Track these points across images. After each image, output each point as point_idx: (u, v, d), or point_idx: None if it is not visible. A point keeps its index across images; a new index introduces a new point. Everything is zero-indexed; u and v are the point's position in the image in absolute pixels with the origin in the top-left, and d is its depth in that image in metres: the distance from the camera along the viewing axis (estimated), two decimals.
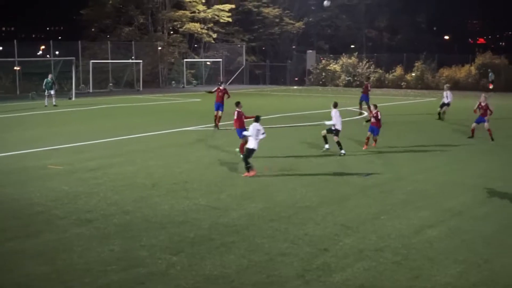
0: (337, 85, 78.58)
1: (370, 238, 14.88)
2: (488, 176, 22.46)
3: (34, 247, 14.06)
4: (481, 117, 32.00)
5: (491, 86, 70.26)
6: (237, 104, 25.89)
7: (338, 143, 26.58)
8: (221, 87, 36.48)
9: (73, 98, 56.30)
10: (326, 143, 27.23)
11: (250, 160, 22.04)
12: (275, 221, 16.31)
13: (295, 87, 78.92)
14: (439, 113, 40.41)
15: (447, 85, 42.96)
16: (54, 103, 49.05)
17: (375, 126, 28.55)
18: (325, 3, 26.32)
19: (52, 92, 49.57)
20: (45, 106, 48.59)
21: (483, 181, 21.51)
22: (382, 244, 14.41)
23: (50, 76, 50.85)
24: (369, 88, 44.88)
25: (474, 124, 32.24)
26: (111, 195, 19.02)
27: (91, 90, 66.50)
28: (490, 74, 71.71)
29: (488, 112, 31.91)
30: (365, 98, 43.64)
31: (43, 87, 50.39)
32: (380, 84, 77.03)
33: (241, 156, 23.25)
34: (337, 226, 15.88)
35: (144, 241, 14.56)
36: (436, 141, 30.81)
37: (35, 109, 46.72)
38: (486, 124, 31.61)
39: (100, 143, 29.59)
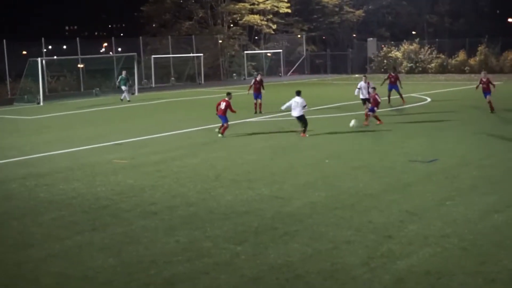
0: (399, 72, 77.64)
1: (435, 224, 14.70)
2: None
3: (101, 240, 14.28)
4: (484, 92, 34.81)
5: None
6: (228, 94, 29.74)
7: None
8: (257, 79, 39.52)
9: (136, 94, 56.91)
10: None
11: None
12: (338, 209, 16.25)
13: (356, 75, 78.32)
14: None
15: (365, 75, 38.29)
16: (121, 98, 49.69)
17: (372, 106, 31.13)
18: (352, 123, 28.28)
19: (125, 87, 50.23)
20: (121, 100, 49.37)
21: None
22: (447, 230, 14.23)
23: (124, 72, 51.59)
24: (396, 78, 42.28)
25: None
26: (176, 188, 19.20)
27: (153, 85, 67.12)
28: None
29: (491, 86, 34.58)
30: (395, 88, 41.78)
31: (118, 83, 51.14)
32: (443, 69, 76.01)
33: (220, 135, 28.74)
34: (401, 213, 15.74)
35: (208, 231, 14.66)
36: (502, 126, 30.31)
37: (99, 105, 47.38)
38: (488, 96, 34.55)
39: (163, 136, 29.88)
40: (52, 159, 24.82)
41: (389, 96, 41.36)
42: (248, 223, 15.20)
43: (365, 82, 35.17)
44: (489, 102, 34.37)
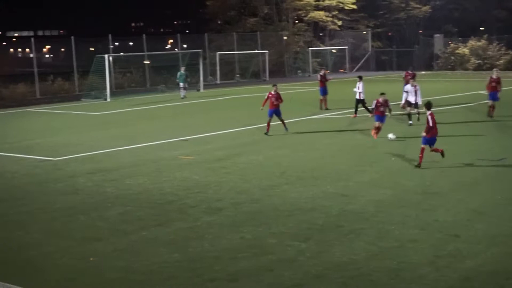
0: (466, 69, 76.60)
1: (503, 224, 14.46)
2: None
3: (167, 236, 14.41)
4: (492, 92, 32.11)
5: None
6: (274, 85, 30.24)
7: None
8: (321, 73, 39.83)
9: (201, 90, 57.19)
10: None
11: None
12: (404, 208, 16.10)
13: (423, 72, 77.35)
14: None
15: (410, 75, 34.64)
16: (182, 96, 49.67)
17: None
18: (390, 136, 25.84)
19: (186, 84, 50.25)
20: (182, 98, 49.24)
21: None
22: None
23: (183, 69, 51.57)
24: (326, 77, 39.29)
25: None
26: (240, 184, 19.26)
27: (218, 82, 67.33)
28: None
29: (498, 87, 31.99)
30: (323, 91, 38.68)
31: (177, 79, 51.14)
32: None
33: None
34: (468, 212, 15.52)
35: (273, 228, 14.67)
36: None
37: (164, 101, 47.74)
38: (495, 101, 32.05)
39: (228, 133, 29.96)
40: (118, 154, 25.13)
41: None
42: (312, 220, 15.16)
43: (411, 85, 30.93)
44: (492, 106, 31.78)
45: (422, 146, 20.92)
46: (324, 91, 38.25)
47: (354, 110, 33.80)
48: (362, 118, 32.90)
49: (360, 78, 34.17)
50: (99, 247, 13.77)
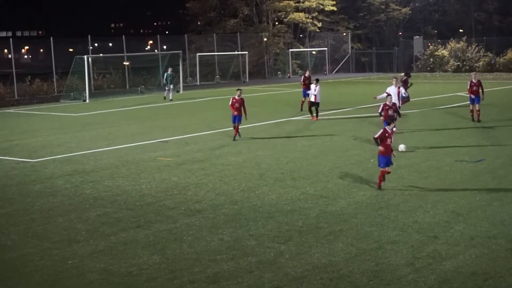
0: (445, 71, 76.99)
1: (482, 225, 14.54)
2: None
3: (146, 237, 14.37)
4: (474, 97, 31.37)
5: None
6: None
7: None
8: (306, 75, 39.25)
9: (181, 91, 57.09)
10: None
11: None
12: (383, 209, 16.14)
13: (402, 74, 77.68)
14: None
15: (396, 77, 33.37)
16: (170, 98, 49.04)
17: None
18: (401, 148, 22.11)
19: (172, 86, 49.66)
20: (164, 98, 48.72)
21: None
22: (494, 231, 14.06)
23: (170, 70, 51.08)
24: (310, 79, 38.19)
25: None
26: (220, 186, 19.24)
27: (198, 83, 67.27)
28: None
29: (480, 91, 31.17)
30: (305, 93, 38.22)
31: (164, 81, 50.67)
32: (491, 68, 74.95)
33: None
34: (447, 213, 15.59)
35: (252, 230, 14.66)
36: None
37: (144, 103, 47.63)
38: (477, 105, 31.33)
39: (207, 134, 29.92)
40: (97, 156, 25.02)
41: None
42: (292, 222, 15.18)
43: (395, 86, 29.23)
44: (478, 111, 31.25)
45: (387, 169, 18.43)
46: (307, 93, 37.84)
47: (315, 113, 33.34)
48: (342, 120, 32.98)
49: (317, 81, 33.94)
50: (78, 249, 13.70)
